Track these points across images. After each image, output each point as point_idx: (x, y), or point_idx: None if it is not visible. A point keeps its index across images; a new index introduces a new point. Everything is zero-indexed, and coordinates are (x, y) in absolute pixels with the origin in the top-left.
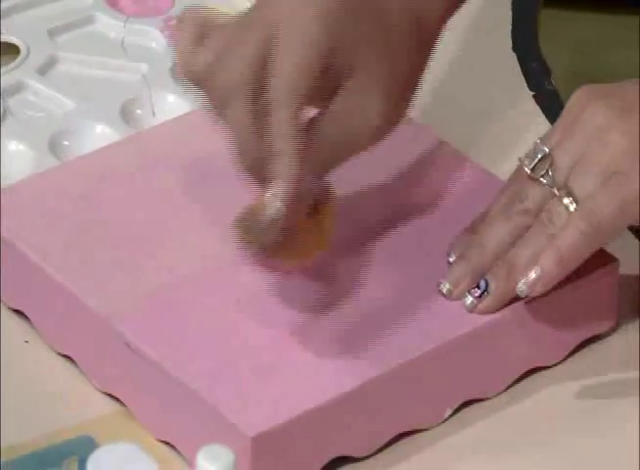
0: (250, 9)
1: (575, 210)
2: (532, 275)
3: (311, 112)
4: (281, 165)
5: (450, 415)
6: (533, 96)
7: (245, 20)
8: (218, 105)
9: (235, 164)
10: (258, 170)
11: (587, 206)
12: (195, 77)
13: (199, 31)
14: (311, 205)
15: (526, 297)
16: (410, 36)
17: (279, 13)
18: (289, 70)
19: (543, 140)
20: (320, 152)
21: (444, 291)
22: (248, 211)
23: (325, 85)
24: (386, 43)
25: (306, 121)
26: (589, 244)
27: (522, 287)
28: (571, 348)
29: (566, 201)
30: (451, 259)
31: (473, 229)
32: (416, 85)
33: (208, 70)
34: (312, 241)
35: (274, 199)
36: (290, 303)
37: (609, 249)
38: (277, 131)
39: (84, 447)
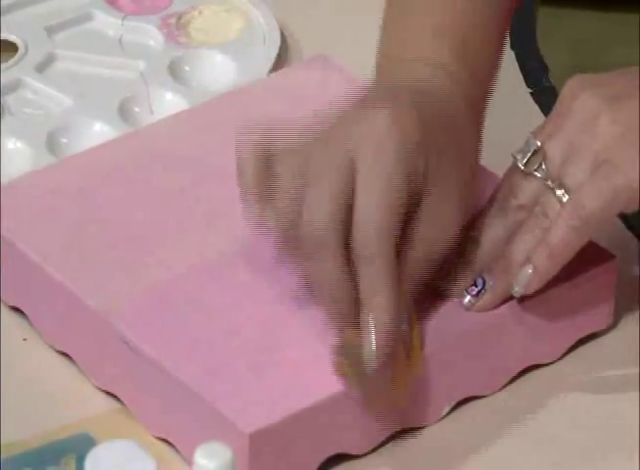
0: (320, 137)
1: (566, 202)
2: (525, 274)
3: None
4: (378, 320)
5: (448, 413)
6: (531, 93)
7: (319, 153)
8: (304, 252)
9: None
10: (347, 315)
11: (576, 199)
12: (274, 228)
13: (263, 166)
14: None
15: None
16: (473, 131)
17: (356, 145)
18: (374, 218)
19: (535, 134)
20: (407, 278)
21: (442, 289)
22: (347, 341)
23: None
24: (454, 147)
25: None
26: (579, 237)
27: (516, 288)
28: (569, 345)
29: (559, 193)
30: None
31: (471, 228)
32: (477, 163)
33: (287, 214)
34: (406, 373)
35: (370, 353)
36: (288, 301)
37: (606, 246)
38: (370, 282)
39: (82, 445)
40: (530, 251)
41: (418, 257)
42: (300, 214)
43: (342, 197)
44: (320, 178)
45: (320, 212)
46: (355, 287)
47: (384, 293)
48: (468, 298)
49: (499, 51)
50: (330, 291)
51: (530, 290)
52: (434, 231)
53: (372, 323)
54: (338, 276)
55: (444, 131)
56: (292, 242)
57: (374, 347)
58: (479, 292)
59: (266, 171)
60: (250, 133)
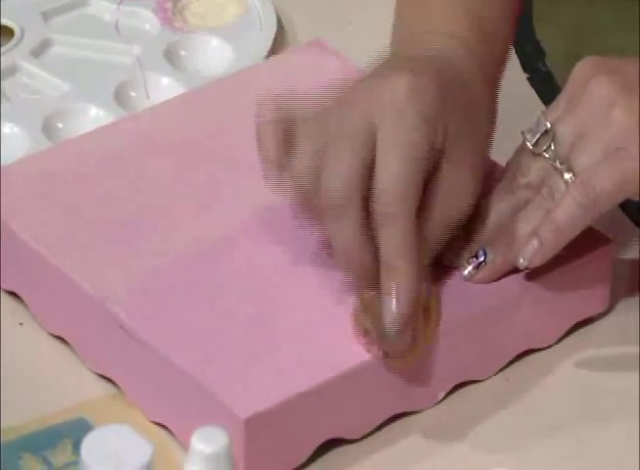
0: (341, 104)
1: (577, 180)
2: (531, 247)
3: None
4: (399, 280)
5: (444, 397)
6: (528, 78)
7: (339, 120)
8: (324, 217)
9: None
10: (367, 277)
11: (585, 178)
12: (295, 193)
13: (282, 135)
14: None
15: (526, 269)
16: (489, 102)
17: (377, 112)
18: (395, 180)
19: (545, 114)
20: (424, 243)
21: (444, 260)
22: (369, 301)
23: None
24: (472, 117)
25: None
26: (586, 216)
27: (521, 258)
28: (565, 330)
29: (567, 176)
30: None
31: (477, 202)
32: (493, 136)
33: (307, 180)
34: (427, 329)
35: (391, 315)
36: (283, 286)
37: (603, 230)
38: (392, 247)
39: (79, 430)
40: (537, 225)
41: (436, 224)
42: (320, 180)
43: (362, 163)
44: (340, 144)
45: (340, 178)
46: (376, 252)
47: (406, 256)
48: (468, 269)
49: (513, 28)
50: (350, 254)
51: (535, 263)
52: (452, 198)
53: (394, 287)
54: (358, 240)
55: (462, 101)
56: (311, 208)
57: (395, 310)
58: (479, 264)
59: (285, 138)
60: (269, 104)
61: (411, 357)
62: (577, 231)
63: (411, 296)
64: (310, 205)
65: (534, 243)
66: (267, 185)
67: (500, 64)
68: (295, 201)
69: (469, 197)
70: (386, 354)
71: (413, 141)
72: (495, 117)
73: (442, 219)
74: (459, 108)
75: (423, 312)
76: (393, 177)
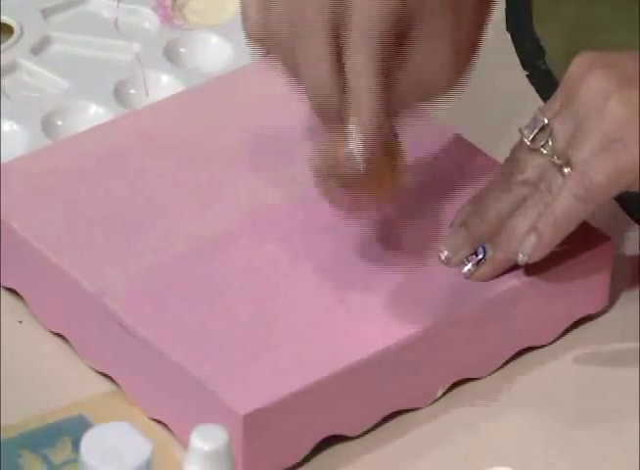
0: None
1: (573, 172)
2: (530, 241)
3: None
4: (363, 102)
5: (442, 395)
6: (527, 76)
7: None
8: (293, 43)
9: (307, 105)
10: (332, 110)
11: (582, 170)
12: (276, 20)
13: (264, 8)
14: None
15: (526, 264)
16: None
17: None
18: (369, 14)
19: (542, 110)
20: (393, 97)
21: (443, 258)
22: (324, 152)
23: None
24: (454, 4)
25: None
26: (583, 207)
27: (520, 254)
28: (564, 328)
29: (565, 170)
30: (453, 229)
31: (476, 200)
32: (479, 37)
33: (281, 19)
34: (386, 179)
35: (357, 134)
36: (282, 284)
37: (602, 228)
38: (357, 72)
39: (78, 427)
40: (535, 220)
41: (405, 89)
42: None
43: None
44: None
45: (311, 8)
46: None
47: (372, 78)
48: (468, 266)
49: None
50: (312, 82)
51: (534, 258)
52: (422, 59)
53: (359, 107)
54: (327, 66)
55: None
56: (290, 62)
57: (359, 132)
58: (479, 261)
59: (266, 13)
60: None
61: (378, 196)
62: (575, 224)
63: (375, 121)
64: (289, 58)
65: (533, 237)
66: (253, 58)
67: None
68: (276, 60)
69: (441, 74)
70: (343, 186)
71: None
72: (489, 8)
73: (412, 87)
74: None
75: (387, 156)
76: (365, 10)
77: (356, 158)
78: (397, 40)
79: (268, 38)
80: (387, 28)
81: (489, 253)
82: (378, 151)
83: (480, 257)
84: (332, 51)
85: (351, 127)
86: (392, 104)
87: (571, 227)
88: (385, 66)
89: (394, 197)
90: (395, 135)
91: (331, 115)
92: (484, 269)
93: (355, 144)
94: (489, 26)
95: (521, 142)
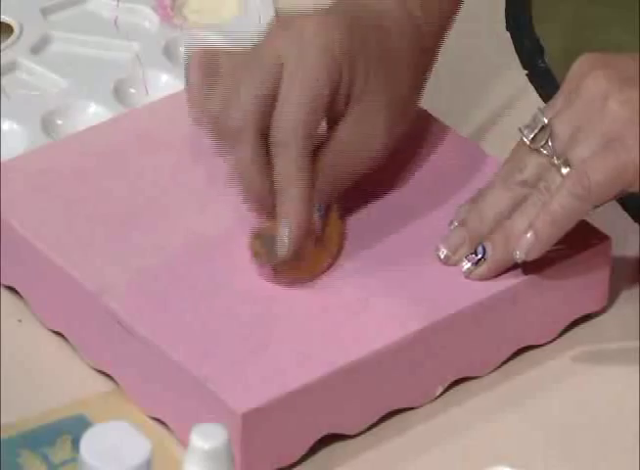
0: (258, 42)
1: (571, 171)
2: (527, 239)
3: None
4: (288, 206)
5: (442, 393)
6: (527, 75)
7: (252, 56)
8: (227, 146)
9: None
10: (264, 205)
11: (581, 169)
12: (208, 121)
13: (208, 70)
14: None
15: (523, 262)
16: (412, 51)
17: (284, 48)
18: (293, 110)
19: (543, 110)
20: (326, 179)
21: (442, 256)
22: (263, 229)
23: (329, 114)
24: (388, 64)
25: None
26: (581, 207)
27: (517, 251)
28: (563, 326)
29: (564, 171)
30: (452, 228)
31: (475, 199)
32: (415, 101)
33: (220, 112)
34: (320, 257)
35: (282, 238)
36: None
37: (601, 227)
38: (283, 172)
39: (78, 426)
40: (533, 218)
41: (336, 159)
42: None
43: (263, 96)
44: (247, 78)
45: (240, 107)
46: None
47: (297, 183)
48: (467, 265)
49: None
50: (247, 182)
51: (531, 256)
52: (356, 140)
53: (285, 212)
54: (254, 168)
55: (380, 47)
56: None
57: (286, 234)
58: (478, 260)
59: (210, 71)
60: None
61: (301, 275)
62: (573, 222)
63: (301, 221)
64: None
65: (530, 235)
66: (189, 113)
67: (440, 27)
68: (210, 131)
69: (375, 142)
70: (276, 272)
71: (314, 76)
72: (425, 75)
73: (344, 156)
74: (374, 52)
75: (321, 237)
76: (291, 108)
77: (285, 255)
78: (330, 122)
79: (208, 124)
80: (313, 124)
81: (489, 252)
82: (308, 240)
83: (480, 256)
84: (260, 154)
85: (281, 229)
86: (327, 187)
87: (569, 226)
88: (310, 163)
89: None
90: (329, 215)
91: (266, 213)
92: (484, 269)
93: (285, 244)
94: (489, 26)
95: (520, 142)
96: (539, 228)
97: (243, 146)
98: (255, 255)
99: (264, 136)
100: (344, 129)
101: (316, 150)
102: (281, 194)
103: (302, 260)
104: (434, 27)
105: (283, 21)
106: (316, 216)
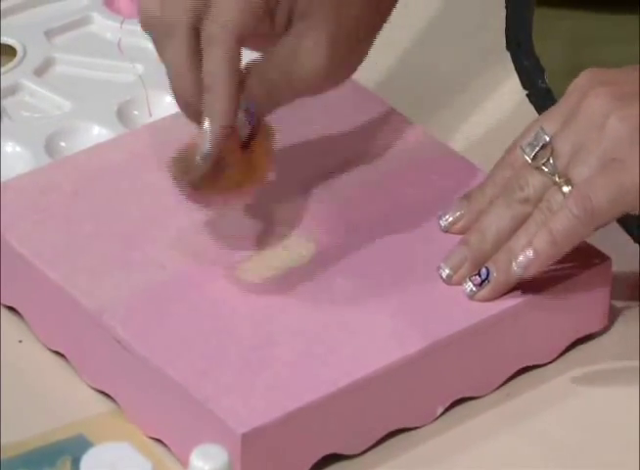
0: None
1: (573, 191)
2: (526, 256)
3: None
4: (212, 103)
5: (442, 413)
6: (527, 95)
7: None
8: (159, 44)
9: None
10: (194, 108)
11: (582, 190)
12: (148, 22)
13: None
14: (245, 141)
15: (524, 281)
16: None
17: None
18: (227, 8)
19: (544, 128)
20: (260, 93)
21: (444, 276)
22: (184, 149)
23: (267, 28)
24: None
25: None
26: (582, 228)
27: (515, 267)
28: (564, 346)
29: (565, 189)
30: (442, 223)
31: (467, 196)
32: (365, 42)
33: (158, 11)
34: (244, 176)
35: (205, 136)
36: (281, 301)
37: (601, 247)
38: (210, 69)
39: (78, 447)
40: (532, 235)
41: (273, 71)
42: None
43: None
44: None
45: (173, 3)
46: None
47: (223, 79)
48: (470, 287)
49: None
50: (178, 77)
51: (530, 273)
52: (294, 56)
53: (208, 108)
54: (186, 61)
55: None
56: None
57: (208, 131)
58: (482, 282)
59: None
60: None
61: (234, 193)
62: (574, 243)
63: (224, 119)
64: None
65: (529, 252)
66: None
67: None
68: (147, 29)
69: (316, 66)
70: (194, 186)
71: None
72: (382, 15)
73: (284, 76)
74: None
75: (249, 153)
76: (225, 6)
77: (204, 160)
78: (268, 37)
79: (146, 20)
80: (245, 25)
81: (492, 275)
82: (229, 152)
83: (484, 278)
84: (191, 51)
85: (204, 128)
86: (261, 102)
87: (570, 246)
88: (245, 65)
89: (252, 195)
90: (261, 132)
91: (194, 115)
92: (487, 291)
93: (206, 145)
94: (489, 45)
95: (517, 155)
96: (538, 246)
97: (175, 41)
98: (175, 177)
99: (199, 34)
100: (284, 43)
101: (249, 64)
102: (207, 91)
103: (223, 176)
104: None
105: None
106: (244, 122)
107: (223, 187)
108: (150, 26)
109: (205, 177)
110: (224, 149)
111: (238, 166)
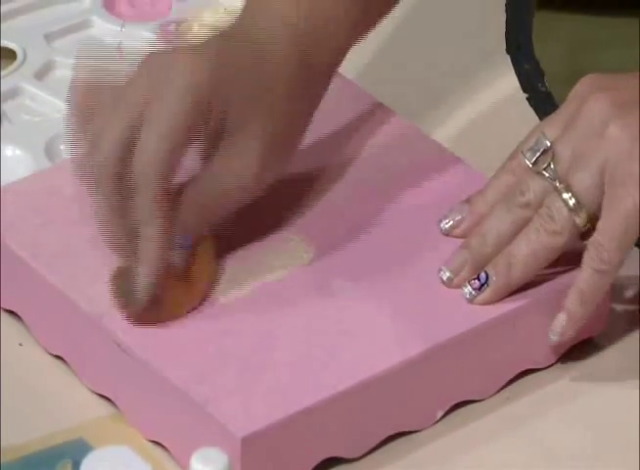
0: (127, 80)
1: (574, 205)
2: (560, 320)
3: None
4: (146, 250)
5: (442, 417)
6: (527, 98)
7: (120, 95)
8: (92, 188)
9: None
10: (124, 246)
11: (596, 243)
12: (76, 162)
13: (85, 108)
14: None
15: (525, 286)
16: (297, 84)
17: (148, 89)
18: (149, 157)
19: (545, 133)
20: (194, 212)
21: (444, 279)
22: (121, 273)
23: (204, 148)
24: (265, 97)
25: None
26: (607, 277)
27: (552, 335)
28: (564, 350)
29: (565, 196)
30: (442, 227)
31: (468, 200)
32: (300, 131)
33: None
34: (185, 294)
35: (140, 281)
36: (280, 303)
37: None
38: (140, 216)
39: (78, 451)
40: (535, 253)
41: (205, 192)
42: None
43: (125, 133)
44: (110, 119)
45: (102, 145)
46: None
47: (153, 223)
48: (470, 291)
49: (357, 16)
50: (104, 223)
51: (566, 337)
52: (226, 174)
53: (142, 252)
54: (111, 210)
55: (258, 79)
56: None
57: (142, 274)
58: (481, 286)
59: (91, 103)
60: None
61: (162, 316)
62: (604, 293)
63: (157, 262)
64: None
65: (563, 317)
66: (66, 141)
67: (331, 47)
68: (77, 173)
69: (247, 176)
70: (134, 318)
71: (172, 123)
72: (316, 96)
73: (213, 188)
74: (249, 87)
75: (188, 274)
76: (147, 147)
77: (142, 298)
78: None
79: (75, 164)
80: (170, 165)
81: (491, 279)
82: (170, 283)
83: (483, 282)
84: (115, 198)
85: (138, 271)
86: (193, 224)
87: (600, 297)
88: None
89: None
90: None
91: (127, 256)
92: (486, 295)
93: (142, 285)
94: (489, 49)
95: (519, 161)
96: (571, 309)
97: (100, 190)
98: (115, 296)
99: (125, 179)
100: (215, 163)
101: (186, 182)
102: (140, 234)
103: (164, 301)
104: (324, 59)
105: (150, 59)
106: (179, 254)
107: (166, 309)
108: (80, 172)
109: (146, 307)
110: (160, 280)
111: (177, 288)
